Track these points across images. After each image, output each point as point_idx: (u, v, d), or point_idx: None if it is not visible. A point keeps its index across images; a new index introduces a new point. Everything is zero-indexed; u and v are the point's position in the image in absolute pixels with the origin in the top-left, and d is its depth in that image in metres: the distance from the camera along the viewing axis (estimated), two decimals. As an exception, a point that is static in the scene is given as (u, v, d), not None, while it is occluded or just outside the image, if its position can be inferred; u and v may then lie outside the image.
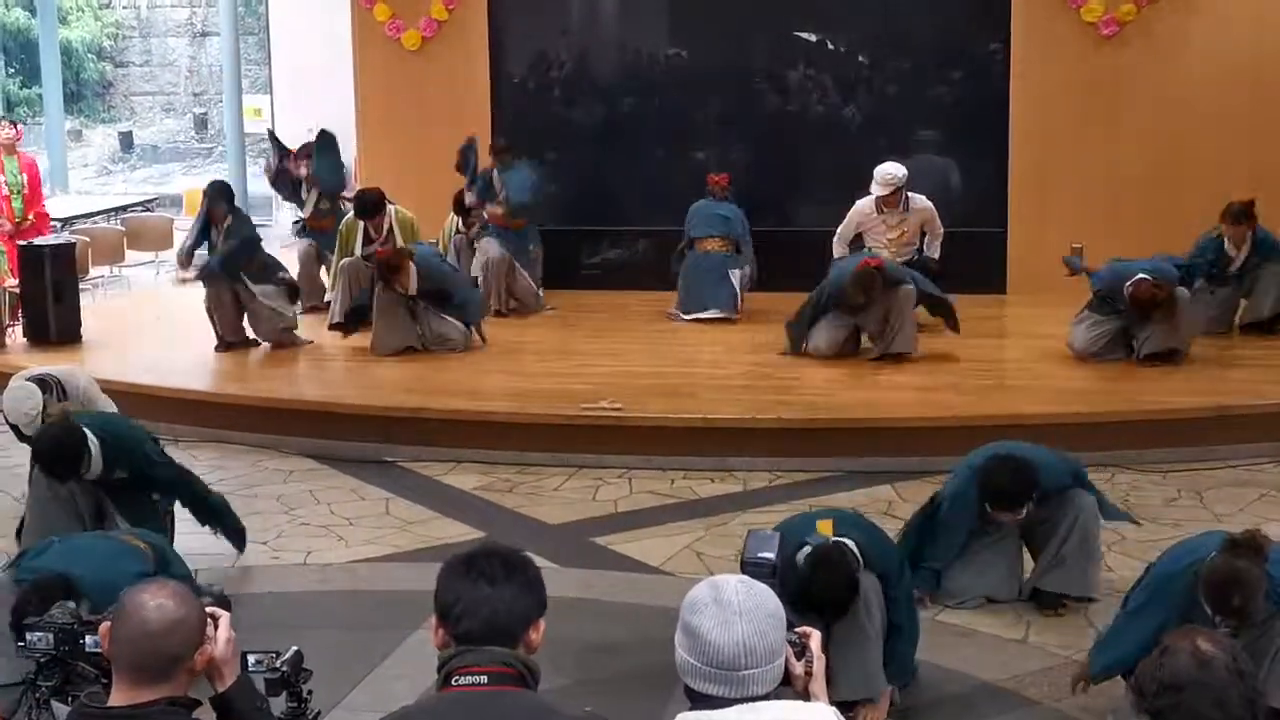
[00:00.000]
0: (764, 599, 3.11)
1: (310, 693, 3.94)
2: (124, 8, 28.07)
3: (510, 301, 13.07)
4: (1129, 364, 10.63)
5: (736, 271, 12.59)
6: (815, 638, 3.20)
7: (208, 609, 3.59)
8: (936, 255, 11.99)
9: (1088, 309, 10.78)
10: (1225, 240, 11.21)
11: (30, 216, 14.64)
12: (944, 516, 7.16)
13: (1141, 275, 10.31)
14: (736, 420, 9.65)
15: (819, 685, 3.21)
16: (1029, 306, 12.68)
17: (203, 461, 9.62)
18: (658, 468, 9.50)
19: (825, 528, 5.94)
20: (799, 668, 3.14)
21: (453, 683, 3.31)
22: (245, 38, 22.72)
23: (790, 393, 10.20)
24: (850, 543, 5.85)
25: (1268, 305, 11.41)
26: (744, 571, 3.38)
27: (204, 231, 12.12)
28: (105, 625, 3.48)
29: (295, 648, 3.94)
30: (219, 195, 12.06)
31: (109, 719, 3.38)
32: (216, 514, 7.79)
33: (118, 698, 3.40)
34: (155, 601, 3.41)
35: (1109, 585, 7.39)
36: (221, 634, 3.58)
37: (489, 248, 12.94)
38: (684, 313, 12.66)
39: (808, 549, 5.72)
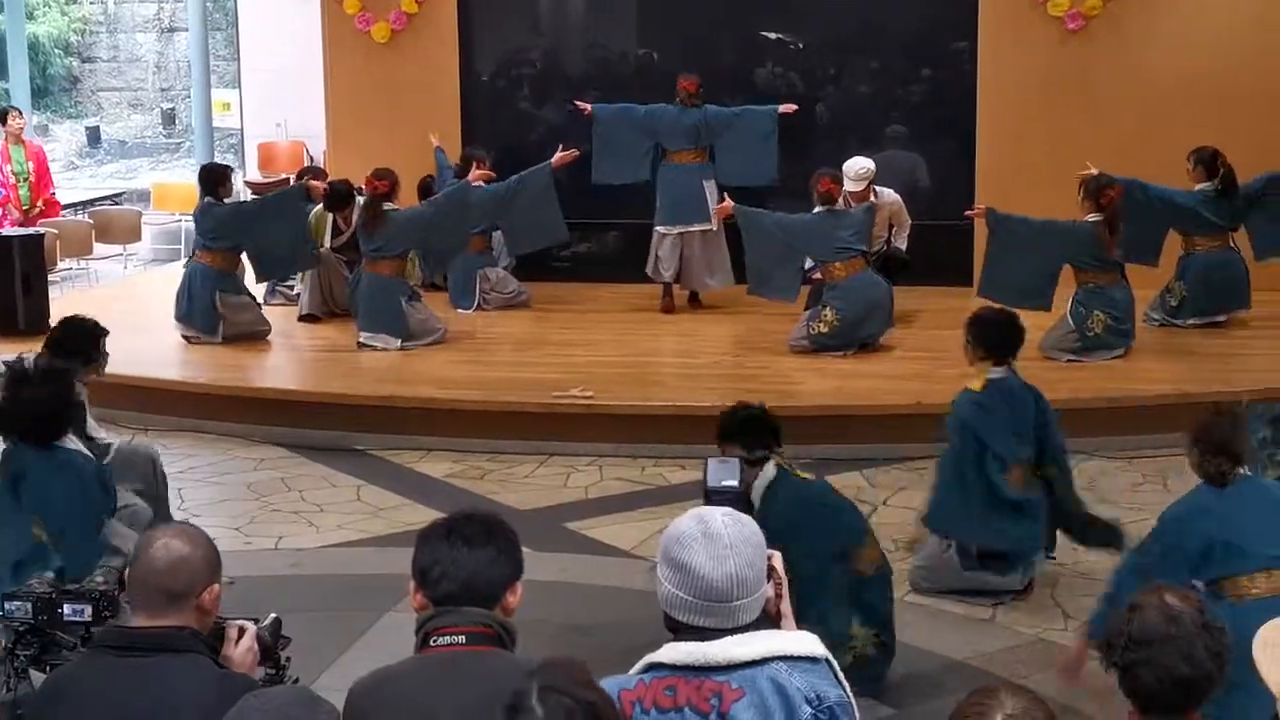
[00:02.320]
0: (750, 529, 3.16)
1: (289, 659, 3.97)
2: (91, 3, 27.94)
3: (486, 296, 13.06)
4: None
5: (710, 182, 12.54)
6: (777, 558, 3.25)
7: (239, 623, 3.75)
8: (904, 247, 12.08)
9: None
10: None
11: (40, 204, 14.71)
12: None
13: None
14: (706, 408, 9.67)
15: (786, 604, 3.27)
16: (996, 298, 12.74)
17: (174, 451, 9.62)
18: (628, 455, 9.55)
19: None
20: (770, 589, 3.20)
21: (431, 643, 3.36)
22: (213, 33, 22.65)
23: (760, 381, 10.25)
24: None
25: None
26: (709, 500, 3.41)
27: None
28: (126, 568, 3.75)
29: (274, 615, 3.99)
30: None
31: (127, 637, 3.56)
32: None
33: (135, 623, 3.60)
34: (162, 541, 3.62)
35: (1075, 568, 7.48)
36: (244, 643, 3.73)
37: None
38: (662, 227, 12.62)
39: None
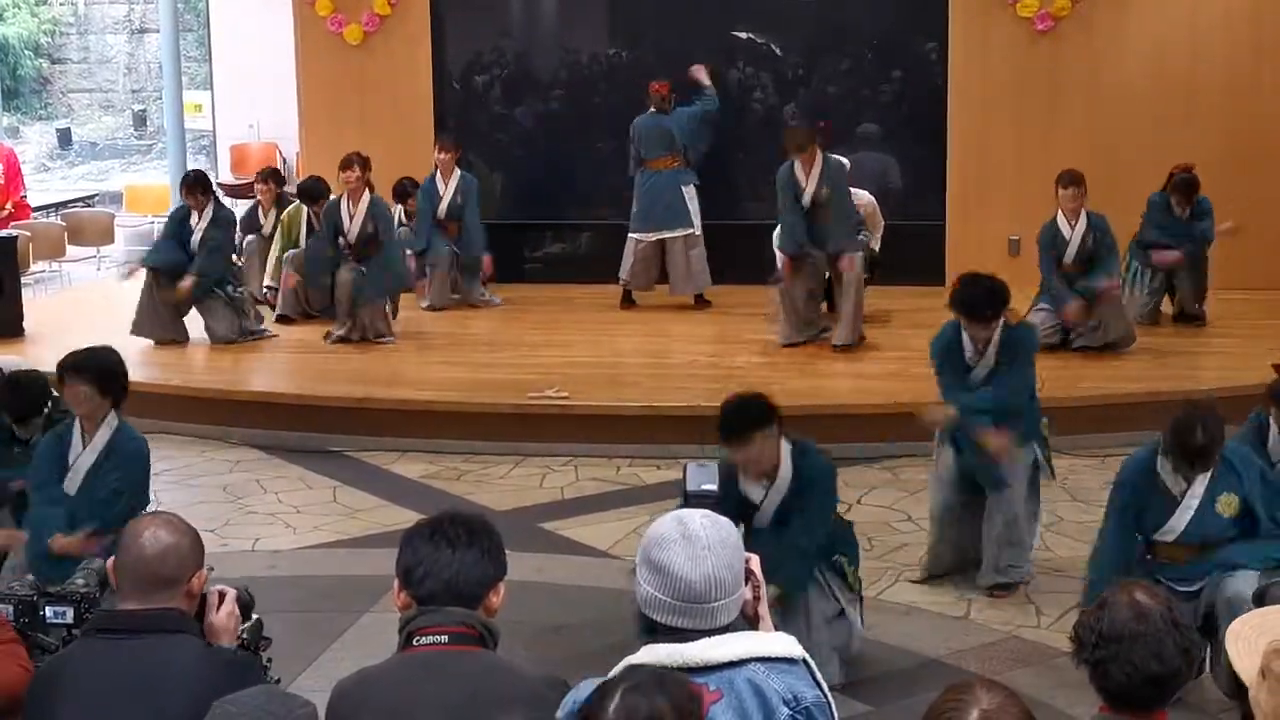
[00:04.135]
0: (728, 531, 3.20)
1: (270, 660, 4.01)
2: (61, 4, 27.83)
3: (453, 295, 13.09)
4: (1066, 352, 10.80)
5: (689, 187, 12.59)
6: (755, 561, 3.30)
7: (219, 587, 3.80)
8: (877, 247, 12.13)
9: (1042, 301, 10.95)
10: (1171, 202, 11.56)
11: (9, 206, 14.67)
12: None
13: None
14: (681, 408, 9.74)
15: (764, 606, 3.32)
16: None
17: (149, 452, 9.61)
18: (604, 455, 9.59)
19: None
20: (747, 591, 3.24)
21: (414, 643, 3.39)
22: (185, 34, 22.55)
23: (734, 381, 10.25)
24: None
25: (1190, 298, 11.80)
26: (687, 504, 3.46)
27: (178, 229, 11.85)
28: (110, 561, 3.75)
29: (256, 617, 4.01)
30: (197, 184, 11.86)
31: (119, 619, 3.64)
32: None
33: (125, 607, 3.66)
34: (149, 531, 3.69)
35: (1048, 564, 7.54)
36: (225, 607, 3.79)
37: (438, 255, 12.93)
38: (637, 234, 12.66)
39: None
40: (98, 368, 6.47)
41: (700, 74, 12.70)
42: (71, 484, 6.46)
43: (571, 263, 14.39)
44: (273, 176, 13.28)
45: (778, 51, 14.40)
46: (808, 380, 10.44)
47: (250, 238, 13.43)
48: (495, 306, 13.05)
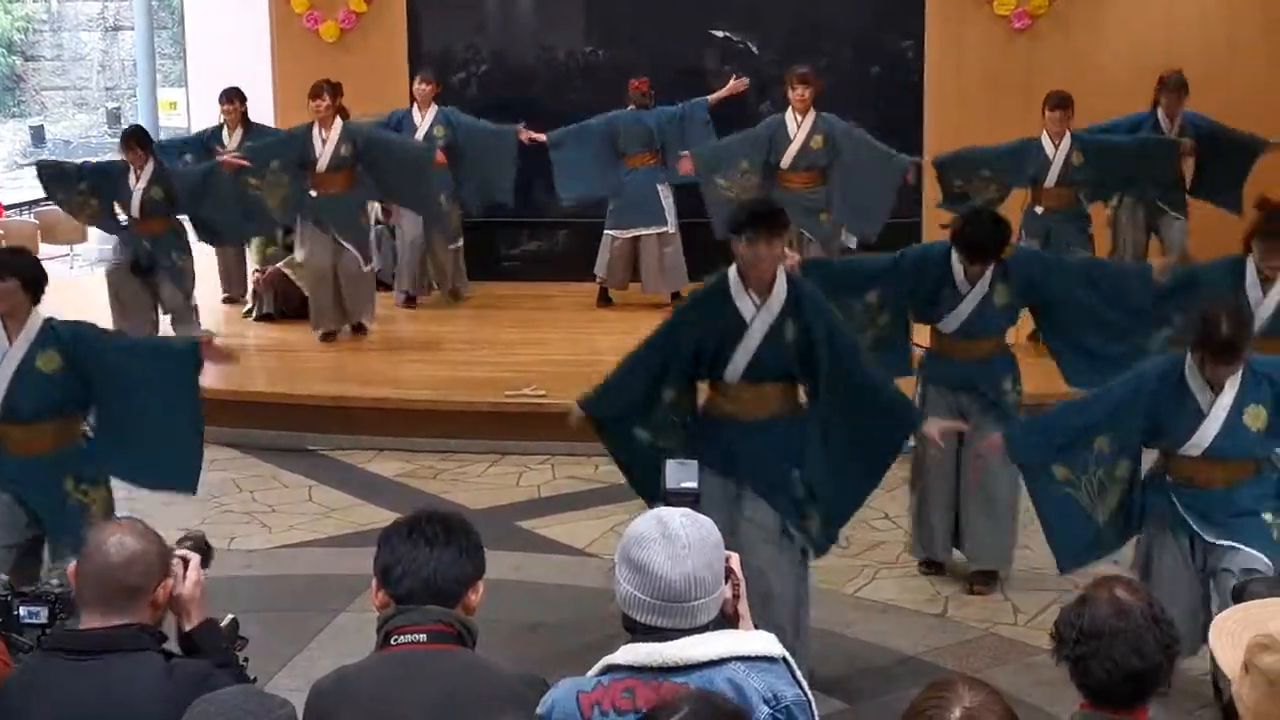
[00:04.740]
0: (708, 530, 3.20)
1: (247, 659, 3.98)
2: (35, 1, 27.74)
3: (430, 282, 13.07)
4: (1029, 347, 10.81)
5: (665, 185, 12.53)
6: (735, 559, 3.29)
7: (180, 552, 3.72)
8: (853, 245, 12.13)
9: None
10: (1160, 111, 11.55)
11: None
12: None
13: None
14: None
15: (744, 605, 3.32)
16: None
17: (123, 451, 9.57)
18: (581, 454, 9.52)
19: None
20: (727, 590, 3.24)
21: (392, 642, 3.38)
22: (159, 31, 22.50)
23: (710, 379, 10.27)
24: None
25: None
26: (668, 502, 3.45)
27: (107, 174, 11.45)
28: (71, 566, 3.64)
29: (231, 616, 3.99)
30: (134, 138, 11.39)
31: (80, 640, 3.53)
32: None
33: (87, 626, 3.55)
34: (115, 538, 3.58)
35: (1025, 561, 7.55)
36: (191, 575, 3.72)
37: (408, 229, 12.89)
38: (613, 230, 12.63)
39: None
40: (20, 265, 6.45)
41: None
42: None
43: (548, 261, 14.36)
44: (237, 95, 13.02)
45: (755, 50, 14.39)
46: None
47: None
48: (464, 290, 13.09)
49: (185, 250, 11.41)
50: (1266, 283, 6.87)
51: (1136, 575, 6.21)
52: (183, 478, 6.89)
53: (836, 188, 11.49)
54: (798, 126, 11.39)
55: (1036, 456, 6.19)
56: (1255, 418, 5.90)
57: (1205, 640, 5.84)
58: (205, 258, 12.39)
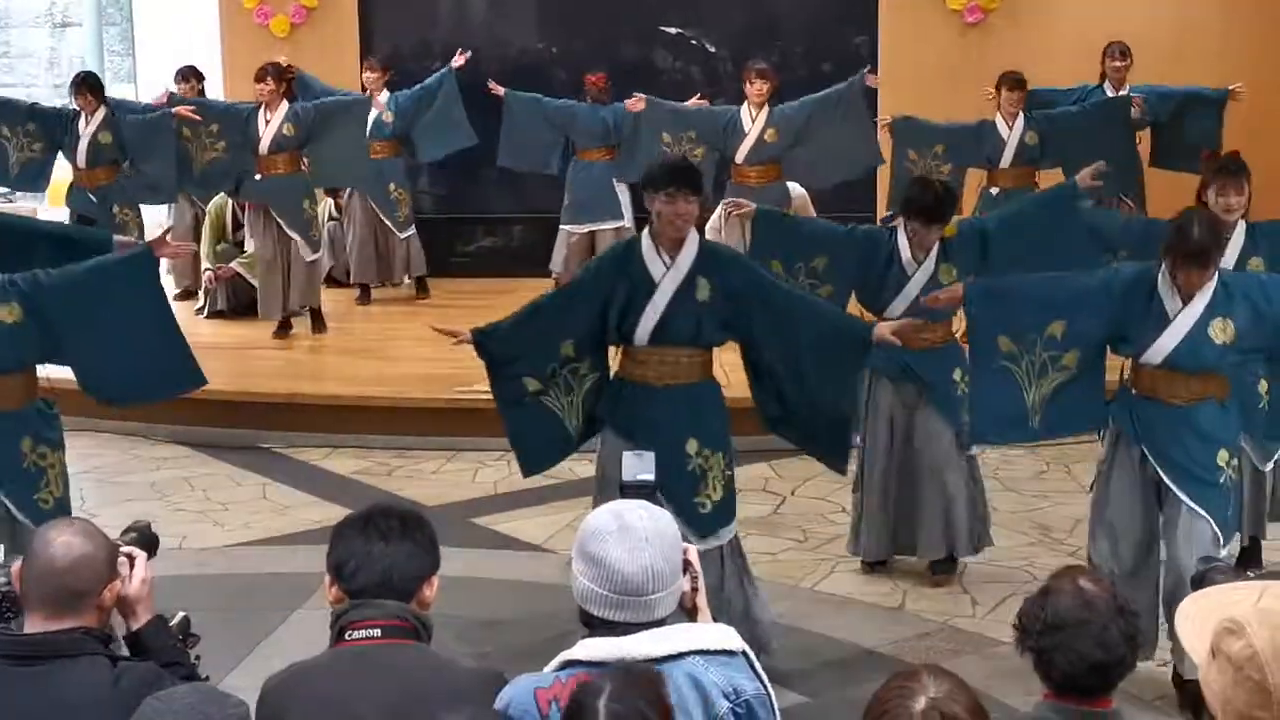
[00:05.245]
0: (665, 523, 3.16)
1: (199, 658, 3.92)
2: (-19, -2, 27.45)
3: (389, 277, 13.01)
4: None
5: (622, 183, 12.44)
6: (693, 551, 3.26)
7: (125, 549, 3.65)
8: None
9: None
10: (1106, 83, 11.79)
11: None
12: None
13: None
14: (614, 402, 9.67)
15: (702, 598, 3.29)
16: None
17: (75, 449, 9.35)
18: (536, 450, 9.49)
19: None
20: (686, 583, 3.20)
21: (346, 637, 3.33)
22: (108, 28, 22.30)
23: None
24: None
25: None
26: (624, 494, 3.42)
27: (59, 118, 11.40)
28: (17, 565, 3.55)
29: (183, 613, 3.93)
30: (86, 84, 11.35)
31: (23, 645, 3.44)
32: None
33: (31, 628, 3.47)
34: (62, 539, 3.49)
35: (983, 554, 7.54)
36: (137, 573, 3.65)
37: (360, 223, 12.81)
38: (569, 226, 12.56)
39: None
40: None
41: None
42: None
43: (503, 256, 14.31)
44: (194, 74, 12.90)
45: (708, 46, 14.38)
46: (742, 374, 10.37)
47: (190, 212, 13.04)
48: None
49: (131, 205, 11.44)
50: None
51: (1092, 497, 6.24)
52: (185, 376, 6.78)
53: (816, 158, 11.60)
54: (752, 121, 11.38)
55: (987, 322, 6.12)
56: (1222, 330, 5.82)
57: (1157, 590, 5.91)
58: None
